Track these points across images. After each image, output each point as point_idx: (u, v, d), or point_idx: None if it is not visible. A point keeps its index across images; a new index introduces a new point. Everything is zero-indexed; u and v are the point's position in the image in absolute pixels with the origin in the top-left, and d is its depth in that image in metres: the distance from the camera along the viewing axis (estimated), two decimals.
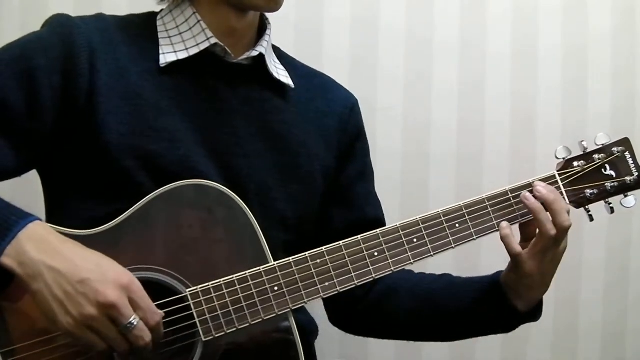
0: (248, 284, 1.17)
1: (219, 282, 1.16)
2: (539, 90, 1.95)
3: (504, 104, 1.94)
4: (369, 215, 1.45)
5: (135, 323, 1.05)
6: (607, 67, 1.97)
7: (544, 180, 1.30)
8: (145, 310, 1.07)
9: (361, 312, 1.44)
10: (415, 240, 1.24)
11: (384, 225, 1.36)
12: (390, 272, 1.23)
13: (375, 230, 1.24)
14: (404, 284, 1.41)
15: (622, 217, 1.97)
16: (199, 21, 1.27)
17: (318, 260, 1.20)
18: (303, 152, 1.36)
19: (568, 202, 1.30)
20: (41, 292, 1.03)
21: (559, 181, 1.30)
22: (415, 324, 1.42)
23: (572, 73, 1.96)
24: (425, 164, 1.92)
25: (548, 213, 1.23)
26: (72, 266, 1.04)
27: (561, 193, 1.30)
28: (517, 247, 1.25)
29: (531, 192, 1.26)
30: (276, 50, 1.43)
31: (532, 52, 1.94)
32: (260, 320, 1.17)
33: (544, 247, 1.24)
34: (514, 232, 1.27)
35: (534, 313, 1.34)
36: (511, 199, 1.28)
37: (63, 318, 1.03)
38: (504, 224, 1.26)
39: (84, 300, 1.02)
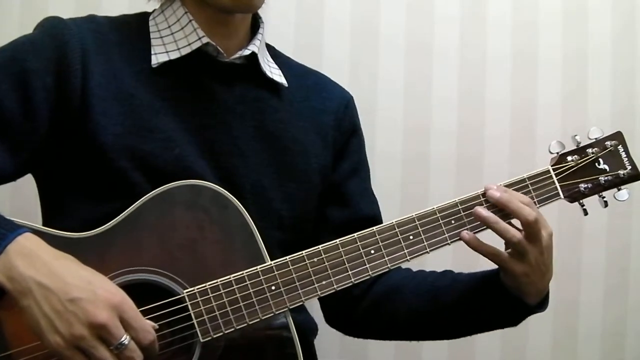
0: (245, 283, 1.16)
1: (216, 282, 1.15)
2: (539, 94, 1.95)
3: (504, 106, 1.94)
4: (364, 212, 1.44)
5: (126, 343, 1.02)
6: (607, 70, 1.97)
7: (538, 175, 1.30)
8: (137, 330, 1.04)
9: (361, 313, 1.43)
10: (411, 237, 1.24)
11: (380, 222, 1.36)
12: (387, 269, 1.23)
13: (371, 228, 1.24)
14: (408, 282, 1.39)
15: (622, 218, 1.97)
16: (190, 20, 1.28)
17: (315, 259, 1.20)
18: (299, 151, 1.36)
19: (561, 195, 1.31)
20: (30, 308, 1.01)
21: (553, 176, 1.31)
22: (419, 323, 1.40)
23: (572, 76, 1.96)
24: (425, 167, 1.92)
25: (505, 222, 1.22)
26: (63, 284, 1.02)
27: (555, 187, 1.30)
28: (493, 250, 1.23)
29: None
30: (270, 49, 1.43)
31: (532, 56, 1.95)
32: (258, 320, 1.16)
33: (519, 251, 1.22)
34: None
35: (542, 303, 1.31)
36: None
37: (52, 337, 1.00)
38: (465, 235, 1.24)
39: (74, 320, 1.00)
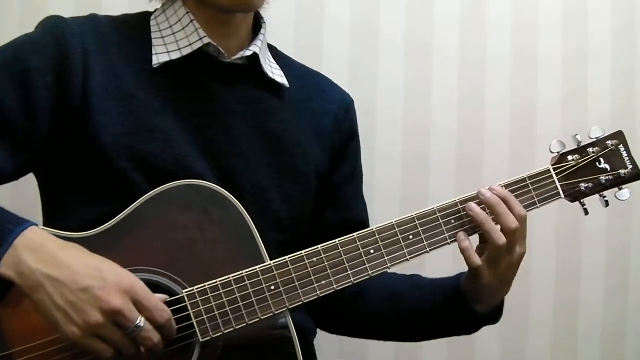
0: (245, 283, 1.16)
1: (216, 282, 1.15)
2: (539, 94, 1.95)
3: (504, 106, 1.94)
4: (356, 217, 1.46)
5: (142, 325, 1.04)
6: (607, 70, 1.97)
7: (538, 175, 1.30)
8: (152, 310, 1.06)
9: (332, 312, 1.44)
10: (411, 237, 1.24)
11: (367, 227, 1.37)
12: (387, 269, 1.23)
13: (371, 228, 1.23)
14: (373, 284, 1.39)
15: (622, 218, 1.97)
16: (192, 20, 1.28)
17: (314, 259, 1.20)
18: (299, 152, 1.36)
19: (562, 195, 1.31)
20: (43, 302, 1.03)
21: (554, 175, 1.30)
22: (380, 324, 1.44)
23: (572, 76, 1.96)
24: (425, 167, 1.92)
25: (494, 222, 1.24)
26: (72, 274, 1.03)
27: (556, 187, 1.30)
28: (477, 260, 1.24)
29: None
30: (272, 49, 1.43)
31: (532, 56, 1.95)
32: (257, 320, 1.16)
33: (496, 256, 1.23)
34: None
35: (495, 315, 1.35)
36: None
37: (68, 328, 1.02)
38: (462, 235, 1.25)
39: (88, 308, 1.02)
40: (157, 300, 1.08)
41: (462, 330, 1.38)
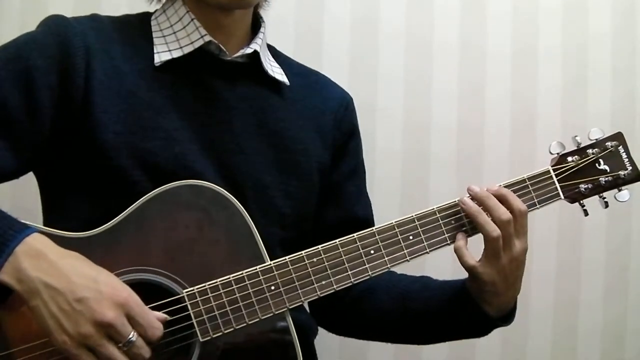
0: (245, 283, 1.16)
1: (216, 282, 1.15)
2: (539, 91, 1.95)
3: (504, 104, 1.93)
4: (358, 214, 1.46)
5: (133, 340, 1.04)
6: (607, 67, 1.97)
7: (538, 175, 1.30)
8: (145, 327, 1.06)
9: (341, 311, 1.44)
10: (411, 237, 1.24)
11: (372, 224, 1.36)
12: (387, 269, 1.23)
13: (371, 228, 1.24)
14: (382, 284, 1.40)
15: (622, 217, 1.97)
16: (192, 19, 1.28)
17: (314, 259, 1.20)
18: (300, 149, 1.36)
19: (561, 196, 1.31)
20: (38, 308, 1.03)
21: (553, 176, 1.30)
22: (389, 325, 1.42)
23: (572, 73, 1.95)
24: (425, 165, 1.91)
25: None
26: (69, 284, 1.04)
27: (555, 188, 1.30)
28: (469, 260, 1.24)
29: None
30: (271, 49, 1.43)
31: (532, 53, 1.94)
32: (257, 319, 1.16)
33: (493, 250, 1.22)
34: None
35: (507, 317, 1.32)
36: None
37: (59, 336, 1.02)
38: (459, 235, 1.26)
39: (81, 319, 1.02)
40: (150, 317, 1.08)
41: (470, 331, 1.35)
